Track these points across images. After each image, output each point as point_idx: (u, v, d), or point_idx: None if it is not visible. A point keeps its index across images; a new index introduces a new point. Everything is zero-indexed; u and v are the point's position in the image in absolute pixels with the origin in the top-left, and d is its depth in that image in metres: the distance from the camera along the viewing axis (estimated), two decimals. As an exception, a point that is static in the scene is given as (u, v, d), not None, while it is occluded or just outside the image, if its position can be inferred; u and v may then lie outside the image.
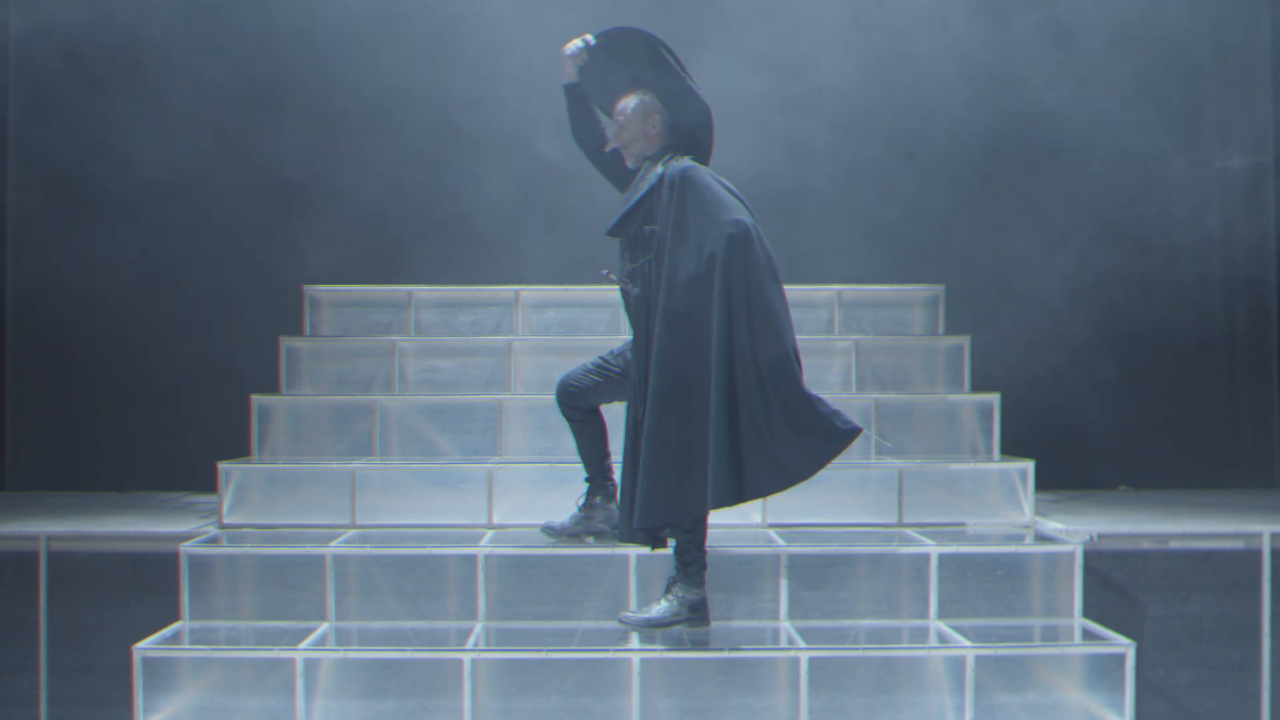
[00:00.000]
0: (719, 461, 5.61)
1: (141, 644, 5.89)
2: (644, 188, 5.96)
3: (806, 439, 5.70)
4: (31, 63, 8.96)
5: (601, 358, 6.44)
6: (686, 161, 5.92)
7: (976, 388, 7.99)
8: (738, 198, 5.84)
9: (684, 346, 5.70)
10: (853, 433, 5.75)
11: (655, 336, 5.75)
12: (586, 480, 6.56)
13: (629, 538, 5.94)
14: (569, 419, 6.49)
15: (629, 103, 6.09)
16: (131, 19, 8.89)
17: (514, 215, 9.06)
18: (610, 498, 6.54)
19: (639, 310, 5.90)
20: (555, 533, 6.58)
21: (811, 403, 5.71)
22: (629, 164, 6.16)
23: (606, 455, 6.51)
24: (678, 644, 5.92)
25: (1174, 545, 6.83)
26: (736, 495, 5.67)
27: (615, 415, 7.03)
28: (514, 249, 9.02)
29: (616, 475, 6.57)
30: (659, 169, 5.94)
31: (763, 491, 5.74)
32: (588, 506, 6.54)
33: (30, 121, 8.98)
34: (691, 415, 5.69)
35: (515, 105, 9.04)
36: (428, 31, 9.08)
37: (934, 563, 6.40)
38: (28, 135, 8.98)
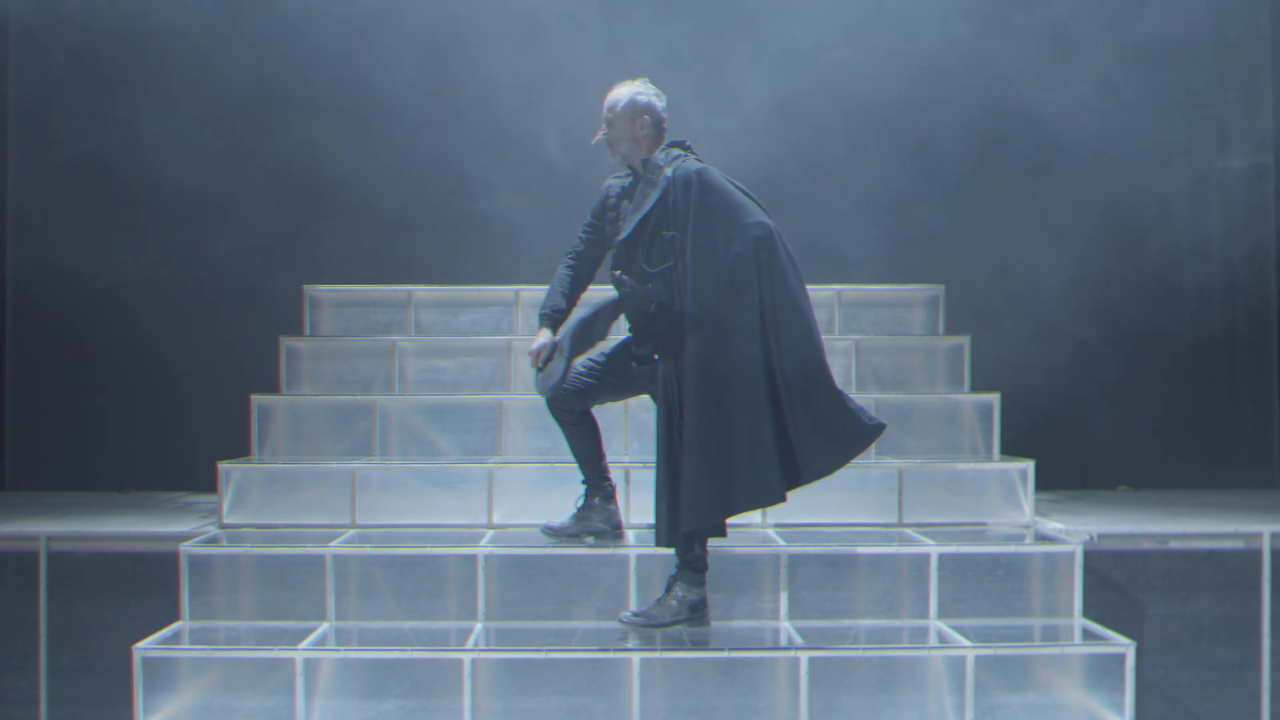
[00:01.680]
0: (758, 460, 5.66)
1: (141, 644, 5.88)
2: (654, 193, 5.89)
3: (834, 435, 5.78)
4: (31, 54, 8.96)
5: (592, 359, 6.38)
6: (695, 162, 5.89)
7: (976, 388, 7.99)
8: (751, 198, 5.84)
9: (716, 350, 5.70)
10: (877, 429, 5.86)
11: (685, 342, 5.74)
12: (583, 482, 6.55)
13: (669, 542, 5.90)
14: (560, 422, 6.42)
15: (618, 99, 6.05)
16: (136, 10, 8.89)
17: (517, 216, 9.06)
18: (609, 498, 6.52)
19: (661, 316, 5.85)
20: (555, 533, 6.57)
21: (841, 400, 5.81)
22: (613, 159, 6.13)
23: (601, 456, 6.48)
24: (678, 644, 5.92)
25: (1174, 545, 6.83)
26: (776, 494, 5.74)
27: (615, 416, 7.05)
28: (517, 249, 9.02)
29: (613, 475, 6.57)
30: (668, 171, 5.89)
31: (793, 485, 5.81)
32: (586, 508, 6.52)
33: (32, 119, 8.98)
34: (730, 417, 5.69)
35: (520, 107, 9.03)
36: (433, 32, 9.07)
37: (934, 563, 6.40)
38: (30, 133, 8.98)
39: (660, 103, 6.08)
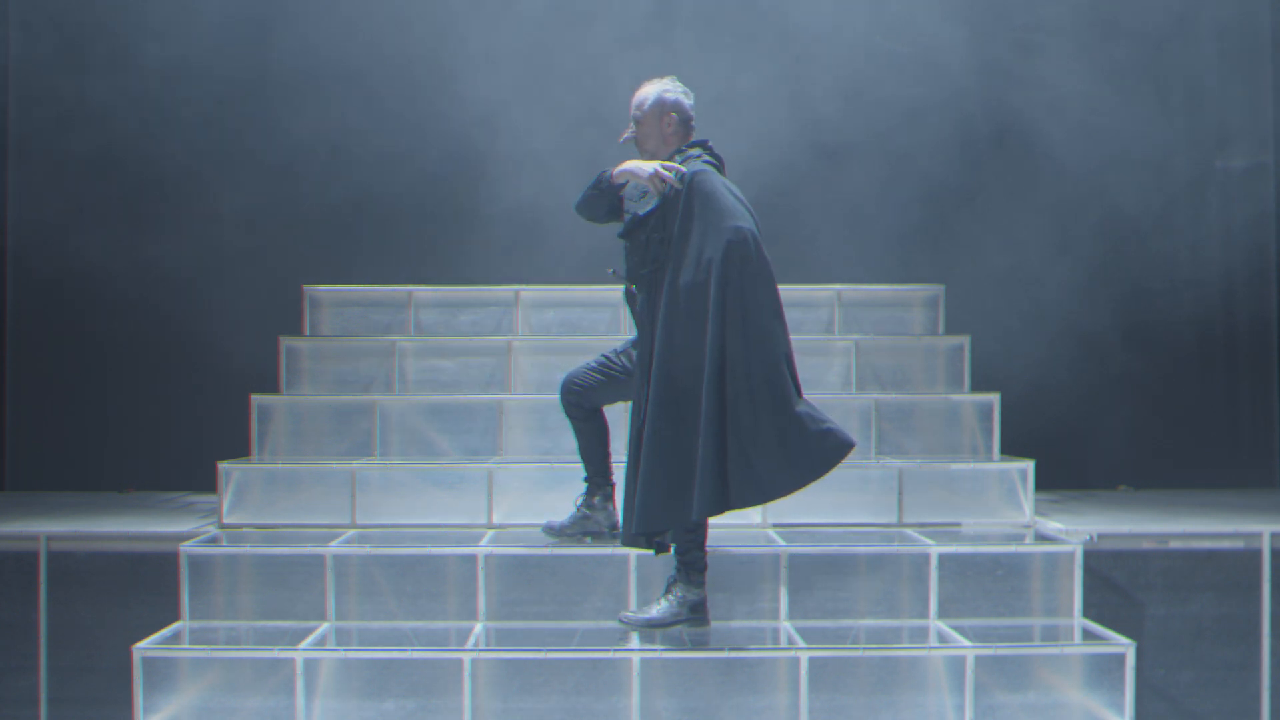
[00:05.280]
0: (705, 471, 5.58)
1: (141, 644, 5.88)
2: (654, 198, 5.91)
3: (792, 455, 5.64)
4: (30, 55, 8.97)
5: (605, 356, 6.43)
6: (699, 165, 5.87)
7: (976, 388, 7.99)
8: (743, 204, 5.80)
9: (682, 354, 5.66)
10: (841, 450, 5.68)
11: (656, 343, 5.73)
12: (585, 480, 6.55)
13: (631, 542, 5.91)
14: (571, 418, 6.48)
15: (646, 97, 6.02)
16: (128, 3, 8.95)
17: (518, 215, 9.06)
18: (609, 498, 6.52)
19: (645, 316, 5.85)
20: (555, 533, 6.58)
21: (800, 421, 5.63)
22: (641, 158, 6.03)
23: (608, 455, 6.50)
24: (678, 644, 5.92)
25: (1174, 545, 6.83)
26: (721, 506, 5.64)
27: (617, 415, 7.04)
28: (517, 248, 9.03)
29: (617, 475, 6.57)
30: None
31: (745, 503, 5.70)
32: (586, 506, 6.52)
33: (31, 120, 8.98)
34: (687, 423, 5.64)
35: (521, 106, 9.03)
36: (435, 31, 9.07)
37: (934, 563, 6.40)
38: (30, 136, 8.98)
39: (688, 100, 6.04)
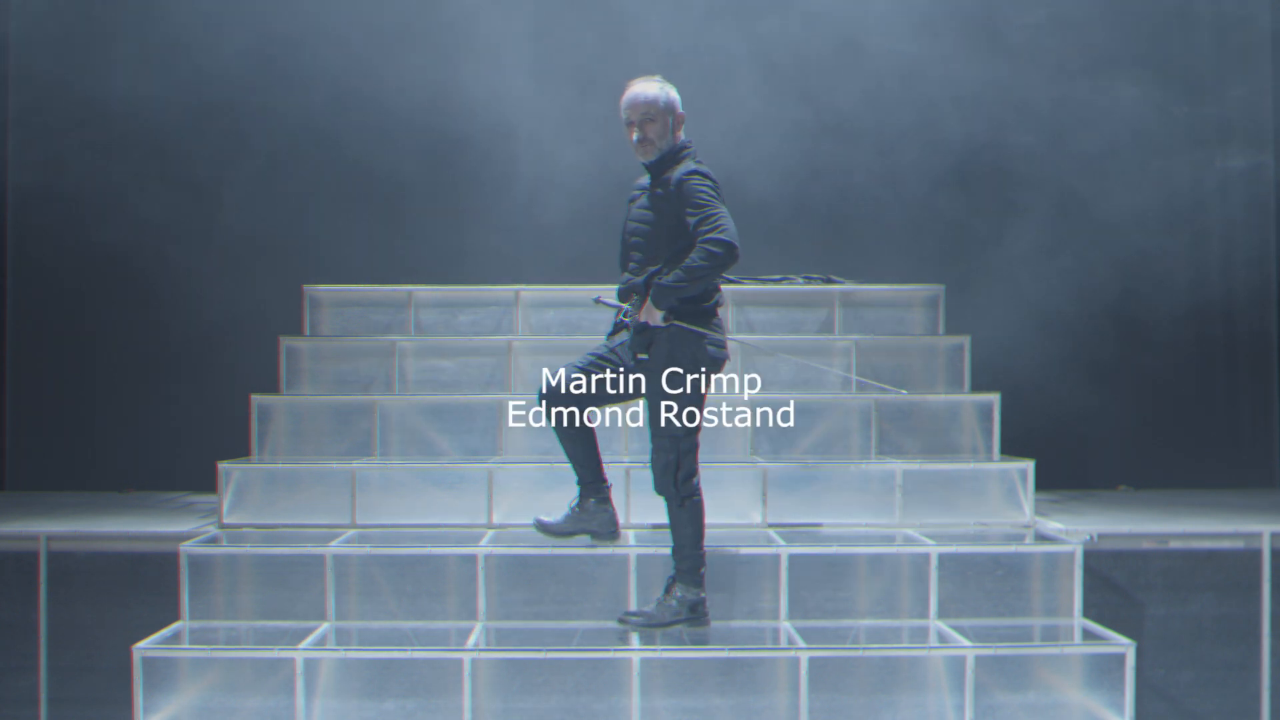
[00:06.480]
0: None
1: (141, 644, 5.89)
2: (643, 197, 6.04)
3: None
4: (27, 69, 8.97)
5: (594, 354, 6.26)
6: (691, 164, 5.93)
7: (976, 388, 7.99)
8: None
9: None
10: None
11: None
12: (579, 484, 6.37)
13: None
14: (556, 426, 6.23)
15: (655, 97, 5.97)
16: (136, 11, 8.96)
17: (518, 214, 9.05)
18: (605, 500, 6.37)
19: (631, 316, 6.01)
20: (549, 530, 6.37)
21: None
22: (645, 159, 6.00)
23: (598, 461, 6.31)
24: (678, 644, 5.92)
25: (1174, 545, 6.83)
26: None
27: (613, 416, 7.04)
28: (518, 247, 9.02)
29: (614, 475, 6.52)
30: (673, 175, 5.94)
31: None
32: (580, 510, 6.35)
33: (28, 119, 8.98)
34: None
35: (522, 102, 9.03)
36: (435, 29, 9.07)
37: (934, 563, 6.40)
38: (28, 138, 8.98)
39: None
